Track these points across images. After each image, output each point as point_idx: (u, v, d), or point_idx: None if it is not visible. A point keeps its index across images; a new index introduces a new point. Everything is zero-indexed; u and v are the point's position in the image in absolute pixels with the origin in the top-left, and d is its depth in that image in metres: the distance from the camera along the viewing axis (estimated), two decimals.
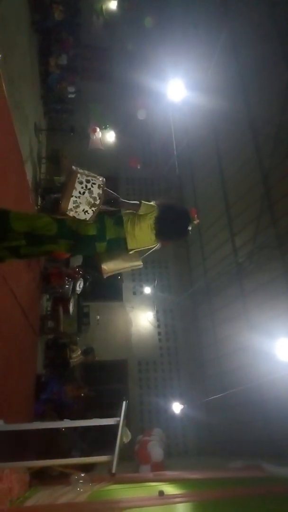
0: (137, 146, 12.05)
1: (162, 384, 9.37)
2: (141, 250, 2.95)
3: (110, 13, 12.36)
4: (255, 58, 7.52)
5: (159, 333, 9.96)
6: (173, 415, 8.55)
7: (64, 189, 2.64)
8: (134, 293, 10.30)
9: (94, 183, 2.70)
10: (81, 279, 7.25)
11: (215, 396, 7.45)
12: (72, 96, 10.41)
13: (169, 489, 4.29)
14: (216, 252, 8.97)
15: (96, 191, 2.68)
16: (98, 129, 11.21)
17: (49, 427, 2.56)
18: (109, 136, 11.92)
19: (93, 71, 12.86)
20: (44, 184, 8.71)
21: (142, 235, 2.84)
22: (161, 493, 3.77)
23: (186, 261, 10.61)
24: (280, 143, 6.66)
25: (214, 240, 9.13)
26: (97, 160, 11.43)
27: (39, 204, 8.00)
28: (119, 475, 3.37)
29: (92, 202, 2.65)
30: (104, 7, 12.43)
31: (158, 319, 10.06)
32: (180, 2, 10.75)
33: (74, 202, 2.60)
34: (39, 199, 8.22)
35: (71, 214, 2.62)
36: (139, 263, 2.97)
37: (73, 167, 2.80)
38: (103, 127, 11.74)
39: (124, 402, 2.52)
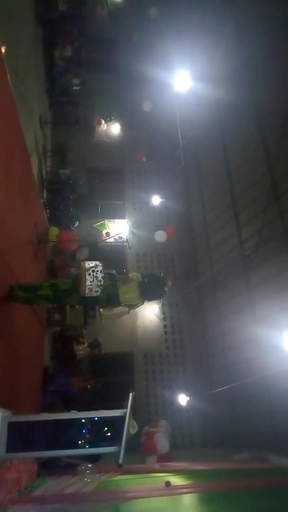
0: (143, 138, 11.97)
1: (168, 377, 9.42)
2: (129, 304, 4.16)
3: (115, 4, 12.20)
4: (261, 48, 7.40)
5: (165, 326, 9.98)
6: (179, 407, 8.60)
7: (79, 281, 3.92)
8: None
9: (97, 270, 3.91)
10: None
11: (221, 389, 7.47)
12: (77, 88, 10.33)
13: (175, 480, 4.33)
14: (222, 245, 8.93)
15: (99, 275, 3.91)
16: (103, 122, 11.16)
17: (56, 419, 2.59)
18: (114, 129, 11.85)
19: (98, 63, 12.75)
20: (49, 177, 8.71)
21: (130, 293, 4.08)
22: (167, 483, 3.81)
23: (192, 254, 10.58)
24: (286, 134, 6.58)
25: (220, 233, 9.09)
26: (102, 153, 11.40)
27: (44, 197, 8.00)
28: (125, 466, 3.40)
29: (99, 284, 3.89)
30: None
31: (164, 312, 10.08)
32: None
33: (89, 288, 3.85)
34: (45, 192, 8.23)
35: (88, 295, 3.87)
36: (126, 310, 4.20)
37: (82, 263, 4.03)
38: (108, 119, 11.67)
39: (131, 394, 2.53)
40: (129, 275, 4.16)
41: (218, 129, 9.19)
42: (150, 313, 9.95)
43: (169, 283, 4.32)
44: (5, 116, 4.07)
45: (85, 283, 3.86)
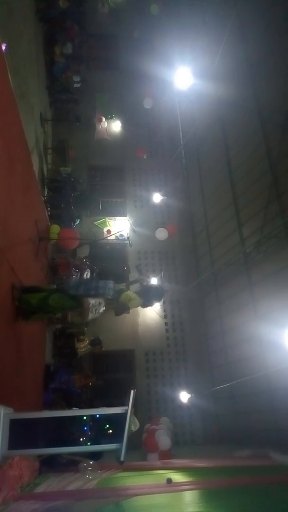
0: (143, 136, 11.93)
1: (169, 374, 9.43)
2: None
3: (115, 1, 12.15)
4: (263, 45, 7.36)
5: (166, 324, 9.98)
6: (180, 405, 8.61)
7: (83, 314, 4.79)
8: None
9: (99, 307, 4.67)
10: (88, 270, 7.28)
11: (222, 386, 7.48)
12: (78, 85, 10.30)
13: (177, 477, 4.34)
14: (224, 242, 8.92)
15: (101, 309, 4.73)
16: (103, 119, 11.13)
17: (58, 416, 2.59)
18: (115, 126, 11.83)
19: (99, 60, 12.70)
20: (50, 174, 8.70)
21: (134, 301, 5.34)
22: (169, 480, 3.82)
23: (193, 251, 10.57)
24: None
25: (221, 231, 9.07)
26: (103, 150, 11.38)
27: (45, 195, 8.00)
28: (127, 463, 3.41)
29: (99, 314, 4.79)
30: None
31: (165, 310, 10.08)
32: None
33: (91, 319, 4.80)
34: (46, 190, 8.22)
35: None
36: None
37: (86, 301, 4.70)
38: (109, 116, 11.64)
39: (132, 391, 2.53)
40: (128, 294, 5.21)
41: (219, 126, 9.16)
42: (151, 311, 9.95)
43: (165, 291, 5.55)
44: (5, 113, 4.06)
45: (87, 317, 4.77)
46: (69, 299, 4.29)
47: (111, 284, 5.15)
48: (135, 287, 6.13)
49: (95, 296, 4.98)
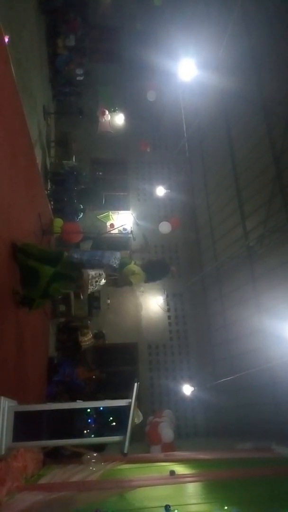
0: (147, 129, 11.86)
1: (172, 367, 9.48)
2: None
3: None
4: (267, 37, 7.27)
5: (169, 317, 10.01)
6: (183, 397, 8.66)
7: (82, 288, 4.37)
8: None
9: (100, 279, 4.29)
10: None
11: (225, 379, 7.51)
12: (81, 78, 10.23)
13: (180, 469, 4.38)
14: (227, 235, 8.89)
15: (102, 281, 4.31)
16: (107, 112, 11.06)
17: (62, 408, 2.61)
18: (118, 119, 11.76)
19: (102, 52, 12.59)
20: (53, 168, 8.67)
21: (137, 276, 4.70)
22: (172, 472, 3.85)
23: (196, 245, 10.55)
24: None
25: (224, 224, 9.04)
26: (106, 144, 11.33)
27: (48, 188, 7.98)
28: (130, 455, 3.43)
29: (100, 287, 4.55)
30: None
31: (168, 303, 10.10)
32: None
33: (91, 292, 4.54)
34: (49, 183, 8.21)
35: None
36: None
37: (85, 272, 4.36)
38: (112, 109, 11.56)
39: (135, 384, 2.55)
40: (131, 268, 4.59)
41: (223, 119, 9.08)
42: (154, 304, 9.98)
43: (173, 269, 4.97)
44: (8, 106, 4.03)
45: (87, 291, 4.43)
46: (68, 277, 3.89)
47: (118, 254, 4.67)
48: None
49: (98, 265, 4.48)
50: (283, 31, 6.76)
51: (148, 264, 4.95)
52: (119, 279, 4.94)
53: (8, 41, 4.72)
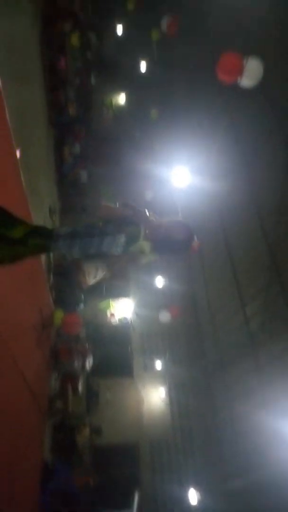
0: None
1: (177, 468, 8.69)
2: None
3: (119, 107, 13.75)
4: (255, 143, 8.10)
5: (171, 412, 9.46)
6: (189, 504, 7.78)
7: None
8: (145, 368, 10.01)
9: (96, 273, 3.04)
10: (90, 355, 7.15)
11: (235, 480, 6.85)
12: (85, 181, 11.17)
13: None
14: (228, 322, 8.85)
15: (99, 275, 3.06)
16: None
17: None
18: None
19: (104, 157, 13.90)
20: (56, 260, 8.99)
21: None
22: None
23: (197, 332, 10.43)
24: (283, 215, 6.93)
25: (224, 310, 9.06)
26: None
27: (50, 280, 8.20)
28: None
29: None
30: (113, 101, 13.89)
31: (170, 395, 9.64)
32: (183, 98, 11.89)
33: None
34: (51, 275, 8.45)
35: None
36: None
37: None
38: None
39: (136, 495, 2.39)
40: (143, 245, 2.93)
41: (217, 215, 9.63)
42: (156, 397, 9.53)
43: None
44: (17, 208, 4.40)
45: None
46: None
47: (122, 238, 2.98)
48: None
49: (95, 256, 3.09)
50: (268, 139, 7.54)
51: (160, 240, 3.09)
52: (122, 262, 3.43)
53: (19, 154, 5.33)
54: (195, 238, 2.95)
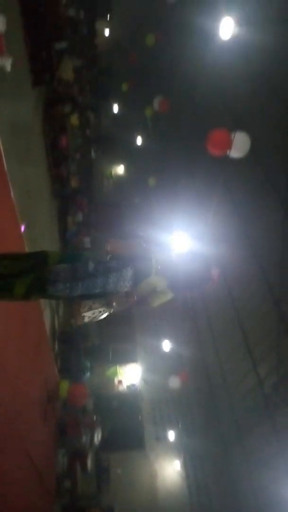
0: None
1: None
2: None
3: (118, 177, 14.55)
4: (251, 206, 8.40)
5: (188, 486, 8.76)
6: None
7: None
8: (157, 439, 9.44)
9: (98, 316, 2.72)
10: (99, 428, 6.81)
11: None
12: (89, 247, 11.49)
13: None
14: (241, 384, 8.51)
15: (102, 317, 2.72)
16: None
17: None
18: None
19: (105, 223, 14.41)
20: (62, 328, 8.95)
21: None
22: None
23: (210, 397, 9.98)
24: (285, 268, 6.98)
25: (236, 372, 8.76)
26: None
27: (55, 348, 8.09)
28: None
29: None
30: (113, 172, 14.74)
31: (186, 468, 8.98)
32: (179, 166, 12.60)
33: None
34: (56, 343, 8.35)
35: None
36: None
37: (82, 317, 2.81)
38: None
39: None
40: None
41: (221, 276, 9.69)
42: (171, 471, 8.90)
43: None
44: None
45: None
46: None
47: (129, 272, 2.64)
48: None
49: (99, 296, 2.66)
50: (263, 201, 7.83)
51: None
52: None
53: (24, 228, 5.57)
54: (213, 267, 2.77)
